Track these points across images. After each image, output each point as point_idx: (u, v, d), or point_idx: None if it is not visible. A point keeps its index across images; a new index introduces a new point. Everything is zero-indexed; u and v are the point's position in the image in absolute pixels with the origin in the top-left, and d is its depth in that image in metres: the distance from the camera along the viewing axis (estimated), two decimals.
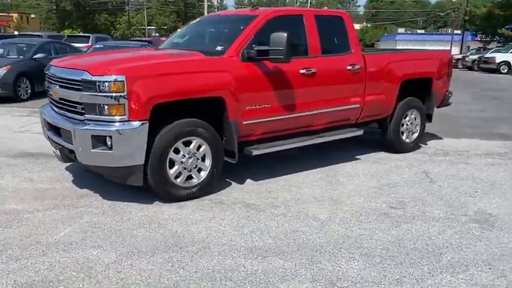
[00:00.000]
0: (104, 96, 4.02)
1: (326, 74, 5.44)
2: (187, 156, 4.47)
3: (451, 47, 41.14)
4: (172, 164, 4.42)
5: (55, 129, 4.60)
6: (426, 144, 7.32)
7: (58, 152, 4.69)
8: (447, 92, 7.24)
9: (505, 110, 11.50)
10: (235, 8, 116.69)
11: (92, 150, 4.11)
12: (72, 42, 19.32)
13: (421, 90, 6.80)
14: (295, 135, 5.48)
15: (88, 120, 4.15)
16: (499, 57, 28.07)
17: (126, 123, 4.06)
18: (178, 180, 4.48)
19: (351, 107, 5.82)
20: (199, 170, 4.62)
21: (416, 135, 6.82)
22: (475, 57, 32.31)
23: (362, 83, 5.83)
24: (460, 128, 9.00)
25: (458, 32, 53.25)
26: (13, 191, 4.77)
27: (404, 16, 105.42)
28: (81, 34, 29.32)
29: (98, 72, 4.07)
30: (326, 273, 3.22)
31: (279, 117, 5.11)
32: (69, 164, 5.33)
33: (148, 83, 4.10)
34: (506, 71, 27.12)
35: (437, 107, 7.35)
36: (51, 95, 4.81)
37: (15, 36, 21.03)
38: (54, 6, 51.08)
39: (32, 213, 4.18)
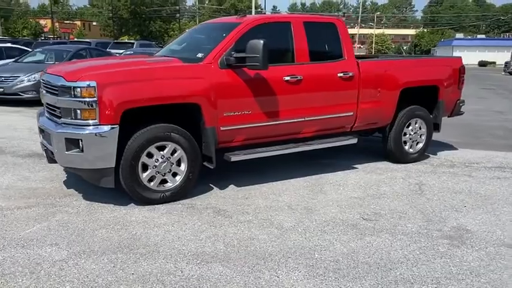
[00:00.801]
0: (77, 101, 4.22)
1: (314, 81, 5.37)
2: (160, 160, 4.57)
3: None
4: (145, 167, 4.54)
5: (42, 132, 4.86)
6: (436, 154, 7.03)
7: (45, 154, 4.95)
8: (458, 101, 6.90)
9: None
10: (288, 13, 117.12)
11: (66, 152, 4.31)
12: (119, 48, 20.25)
13: (427, 98, 6.54)
14: (282, 142, 5.46)
15: (64, 123, 4.37)
16: None
17: (96, 127, 4.23)
18: (152, 183, 4.59)
19: (343, 115, 5.71)
20: (175, 175, 4.71)
21: (421, 145, 6.56)
22: None
23: (355, 90, 5.70)
24: (483, 138, 8.55)
25: None
26: (6, 188, 5.08)
27: (466, 21, 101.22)
28: (126, 41, 30.63)
29: (72, 78, 4.28)
30: (260, 281, 3.19)
31: (261, 124, 5.11)
32: None
33: (118, 89, 4.26)
34: None
35: (449, 116, 7.04)
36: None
37: (64, 42, 22.26)
38: (111, 14, 53.50)
39: (12, 210, 4.44)
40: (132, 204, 4.63)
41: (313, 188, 5.29)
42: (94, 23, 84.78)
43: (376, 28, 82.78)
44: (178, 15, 56.58)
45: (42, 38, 56.72)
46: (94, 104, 4.19)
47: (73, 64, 5.54)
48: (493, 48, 57.84)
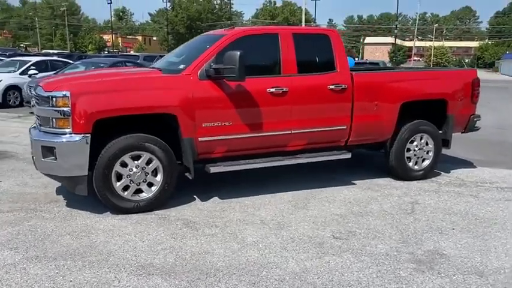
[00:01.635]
0: (53, 110, 4.37)
1: (301, 93, 5.24)
2: (134, 170, 4.62)
3: None
4: (120, 177, 4.61)
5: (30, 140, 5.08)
6: (449, 172, 6.61)
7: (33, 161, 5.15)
8: (472, 116, 6.45)
9: None
10: (344, 27, 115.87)
11: (42, 159, 4.47)
12: None
13: (435, 113, 6.18)
14: (269, 155, 5.35)
15: (44, 132, 4.53)
16: None
17: (69, 135, 4.36)
18: (126, 193, 4.64)
19: (335, 128, 5.51)
20: (150, 185, 4.74)
21: (428, 162, 6.18)
22: None
23: (348, 103, 5.49)
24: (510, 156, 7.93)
25: None
26: (0, 193, 5.34)
27: None
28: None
29: (49, 88, 4.45)
30: None
31: (243, 136, 5.04)
32: None
33: (91, 99, 4.36)
34: None
35: (463, 132, 6.61)
36: None
37: (114, 56, 23.29)
38: (165, 29, 55.47)
39: None
40: (108, 212, 4.70)
41: (297, 203, 5.13)
42: (154, 38, 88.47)
43: (436, 40, 79.96)
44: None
45: (106, 52, 59.99)
46: (68, 113, 4.32)
47: (60, 75, 5.76)
48: None
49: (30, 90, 9.78)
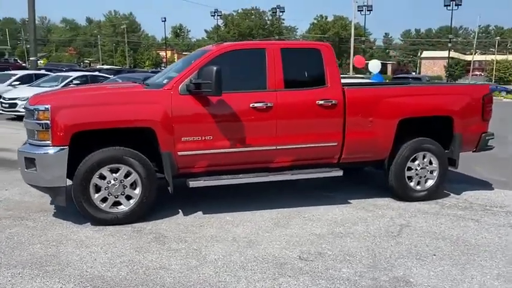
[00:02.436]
0: (36, 123, 4.56)
1: (287, 108, 5.14)
2: (112, 182, 4.70)
3: None
4: (99, 189, 4.70)
5: None
6: (459, 193, 6.20)
7: None
8: (484, 134, 6.02)
9: None
10: (401, 40, 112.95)
11: (25, 170, 4.66)
12: None
13: (441, 130, 5.84)
14: (256, 171, 5.26)
15: (29, 144, 4.73)
16: None
17: (49, 147, 4.51)
18: (104, 205, 4.72)
19: (325, 145, 5.34)
20: (129, 197, 4.80)
21: (432, 182, 5.82)
22: None
23: (339, 119, 5.31)
24: None
25: None
26: (0, 201, 5.61)
27: None
28: None
29: (33, 102, 4.65)
30: None
31: (225, 151, 5.00)
32: None
33: (69, 113, 4.51)
34: None
35: (474, 151, 6.19)
36: None
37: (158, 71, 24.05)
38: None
39: None
40: (89, 224, 4.79)
41: (279, 221, 4.99)
42: None
43: (499, 54, 76.08)
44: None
45: (163, 68, 62.24)
46: (48, 126, 4.49)
47: (52, 91, 5.99)
48: None
49: None
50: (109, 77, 14.86)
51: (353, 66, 36.51)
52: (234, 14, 61.26)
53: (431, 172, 5.81)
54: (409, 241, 4.47)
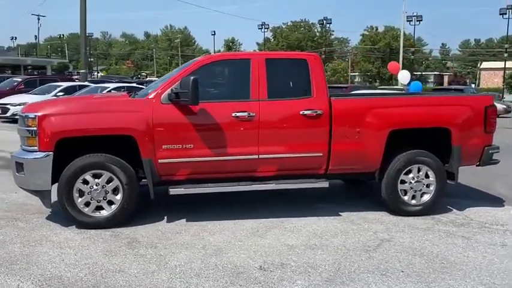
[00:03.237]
0: (25, 129, 4.86)
1: (269, 118, 5.15)
2: (95, 187, 4.89)
3: None
4: (82, 193, 4.91)
5: None
6: (463, 209, 5.90)
7: None
8: (487, 148, 5.69)
9: None
10: (459, 51, 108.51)
11: (16, 173, 4.96)
12: None
13: (439, 143, 5.60)
14: (241, 179, 5.29)
15: (21, 149, 5.04)
16: None
17: (35, 153, 4.79)
18: (87, 209, 4.92)
19: (310, 155, 5.27)
20: (111, 203, 4.97)
21: (429, 196, 5.57)
22: None
23: (324, 129, 5.23)
24: None
25: None
26: (6, 202, 5.96)
27: None
28: None
29: (25, 110, 4.97)
30: None
31: (206, 159, 5.07)
32: None
33: (54, 120, 4.77)
34: None
35: (477, 165, 5.87)
36: None
37: None
38: None
39: None
40: (73, 226, 5.00)
41: (258, 231, 4.97)
42: None
43: None
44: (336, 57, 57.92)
45: None
46: (35, 133, 4.76)
47: (46, 100, 6.31)
48: None
49: None
50: (143, 87, 15.40)
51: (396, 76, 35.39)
52: (283, 26, 61.70)
53: (428, 186, 5.57)
54: (382, 256, 4.31)
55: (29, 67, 36.87)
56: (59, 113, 4.84)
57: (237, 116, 5.05)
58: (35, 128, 4.76)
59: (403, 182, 5.52)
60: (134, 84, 18.29)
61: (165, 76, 6.03)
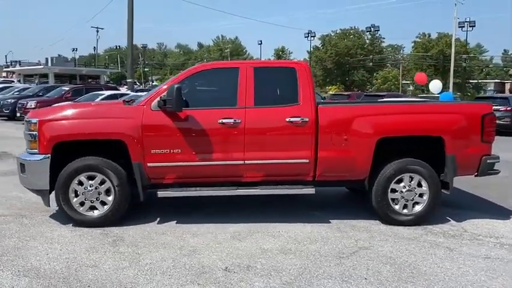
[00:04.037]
0: (28, 133, 5.29)
1: (255, 124, 5.28)
2: (89, 188, 5.22)
3: None
4: (77, 193, 5.26)
5: None
6: (461, 220, 5.72)
7: None
8: (485, 157, 5.50)
9: None
10: (505, 56, 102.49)
11: (20, 174, 5.40)
12: None
13: (434, 152, 5.49)
14: (229, 184, 5.45)
15: (26, 151, 5.48)
16: None
17: (35, 155, 5.20)
18: (81, 208, 5.26)
19: (295, 162, 5.34)
20: (104, 203, 5.28)
21: (421, 206, 5.46)
22: None
23: (310, 136, 5.29)
24: None
25: None
26: (20, 200, 6.44)
27: None
28: None
29: (30, 115, 5.40)
30: None
31: (193, 164, 5.27)
32: None
33: (51, 126, 5.16)
34: None
35: (476, 176, 5.68)
36: None
37: None
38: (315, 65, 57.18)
39: None
40: (70, 224, 5.36)
41: (239, 235, 5.09)
42: None
43: None
44: (389, 64, 56.56)
45: None
46: (36, 137, 5.18)
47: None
48: None
49: None
50: None
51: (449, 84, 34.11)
52: (332, 34, 61.26)
53: (421, 195, 5.46)
54: (352, 263, 4.31)
55: (86, 77, 39.01)
56: (56, 118, 5.23)
57: (223, 123, 5.23)
58: (35, 132, 5.17)
59: (393, 190, 5.45)
60: None
61: (161, 84, 6.32)
